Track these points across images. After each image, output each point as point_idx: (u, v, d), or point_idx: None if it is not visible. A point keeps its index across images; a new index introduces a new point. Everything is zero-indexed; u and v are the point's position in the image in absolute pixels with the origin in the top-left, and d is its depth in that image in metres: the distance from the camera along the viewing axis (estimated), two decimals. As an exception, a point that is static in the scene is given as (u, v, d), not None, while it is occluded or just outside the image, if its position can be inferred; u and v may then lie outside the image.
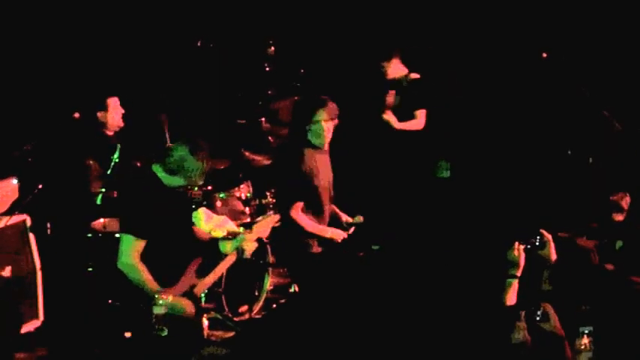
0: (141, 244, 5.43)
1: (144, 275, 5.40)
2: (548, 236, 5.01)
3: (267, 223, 6.13)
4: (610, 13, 8.50)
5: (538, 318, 4.80)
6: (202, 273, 5.80)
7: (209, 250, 5.89)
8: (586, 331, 4.64)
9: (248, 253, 5.87)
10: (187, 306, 5.51)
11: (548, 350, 4.74)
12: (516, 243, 4.93)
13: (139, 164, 7.32)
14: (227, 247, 5.83)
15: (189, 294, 5.59)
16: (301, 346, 6.61)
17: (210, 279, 5.76)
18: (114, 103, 7.25)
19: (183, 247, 5.68)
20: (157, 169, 5.60)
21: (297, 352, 6.52)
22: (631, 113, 7.78)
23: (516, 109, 7.93)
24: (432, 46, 8.78)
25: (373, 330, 6.65)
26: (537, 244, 4.96)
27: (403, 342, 6.42)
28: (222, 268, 5.80)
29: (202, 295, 6.00)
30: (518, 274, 4.90)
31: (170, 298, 5.38)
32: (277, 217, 6.30)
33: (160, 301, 5.21)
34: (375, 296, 7.41)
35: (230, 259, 5.82)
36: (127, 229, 5.47)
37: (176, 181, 5.62)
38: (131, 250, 5.42)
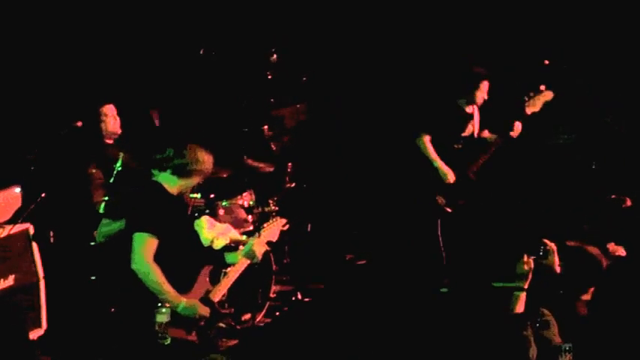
0: (153, 243, 5.38)
1: (159, 277, 5.34)
2: (553, 246, 5.00)
3: (275, 228, 6.14)
4: (611, 18, 8.51)
5: (538, 325, 4.80)
6: (216, 279, 5.80)
7: (218, 257, 5.90)
8: (567, 348, 4.67)
9: (259, 257, 5.88)
10: (201, 309, 5.48)
11: (547, 357, 4.75)
12: (525, 255, 4.92)
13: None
14: (236, 256, 5.84)
15: (205, 300, 5.59)
16: (304, 353, 6.61)
17: (225, 284, 5.75)
18: (109, 111, 7.24)
19: (193, 254, 5.68)
20: (164, 178, 5.58)
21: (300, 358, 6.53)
22: (632, 117, 7.79)
23: (519, 116, 7.93)
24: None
25: (377, 339, 6.66)
26: (541, 253, 4.94)
27: (407, 351, 6.43)
28: (235, 273, 5.79)
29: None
30: (526, 286, 4.89)
31: (184, 301, 5.38)
32: (284, 220, 6.30)
33: (163, 309, 5.20)
34: (380, 304, 7.43)
35: (243, 264, 5.82)
36: (137, 227, 5.42)
37: (190, 182, 5.67)
38: (144, 249, 5.36)
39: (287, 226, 6.23)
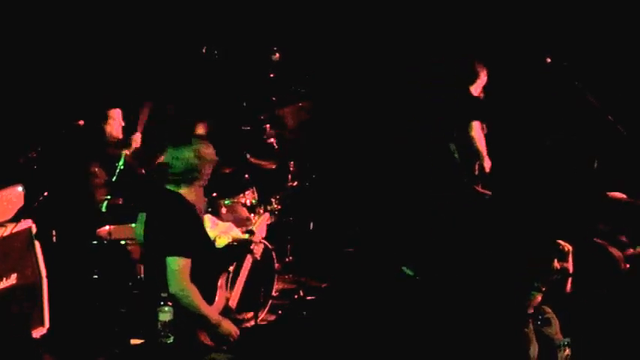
0: (188, 264, 5.18)
1: (200, 300, 5.19)
2: (569, 247, 4.99)
3: (262, 223, 6.17)
4: (612, 17, 8.50)
5: (539, 322, 4.80)
6: (230, 284, 5.76)
7: (228, 261, 5.86)
8: (565, 343, 4.66)
9: (257, 255, 5.89)
10: (233, 328, 5.37)
11: (547, 354, 4.75)
12: (555, 260, 4.93)
13: (143, 171, 7.35)
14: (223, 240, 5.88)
15: (227, 308, 5.53)
16: (307, 351, 6.61)
17: (238, 288, 5.73)
18: (115, 115, 7.27)
19: (212, 263, 5.56)
20: (175, 187, 5.41)
21: (302, 358, 6.53)
22: (633, 116, 7.78)
23: (520, 116, 7.94)
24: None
25: (381, 339, 6.66)
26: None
27: (409, 347, 6.43)
28: (243, 275, 5.79)
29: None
30: (544, 288, 4.89)
31: (224, 320, 5.29)
32: (267, 214, 6.31)
33: (166, 308, 5.19)
34: (382, 302, 7.43)
35: (247, 265, 5.82)
36: (172, 251, 5.19)
37: (204, 179, 5.44)
38: (182, 272, 5.15)
39: (270, 220, 6.22)
